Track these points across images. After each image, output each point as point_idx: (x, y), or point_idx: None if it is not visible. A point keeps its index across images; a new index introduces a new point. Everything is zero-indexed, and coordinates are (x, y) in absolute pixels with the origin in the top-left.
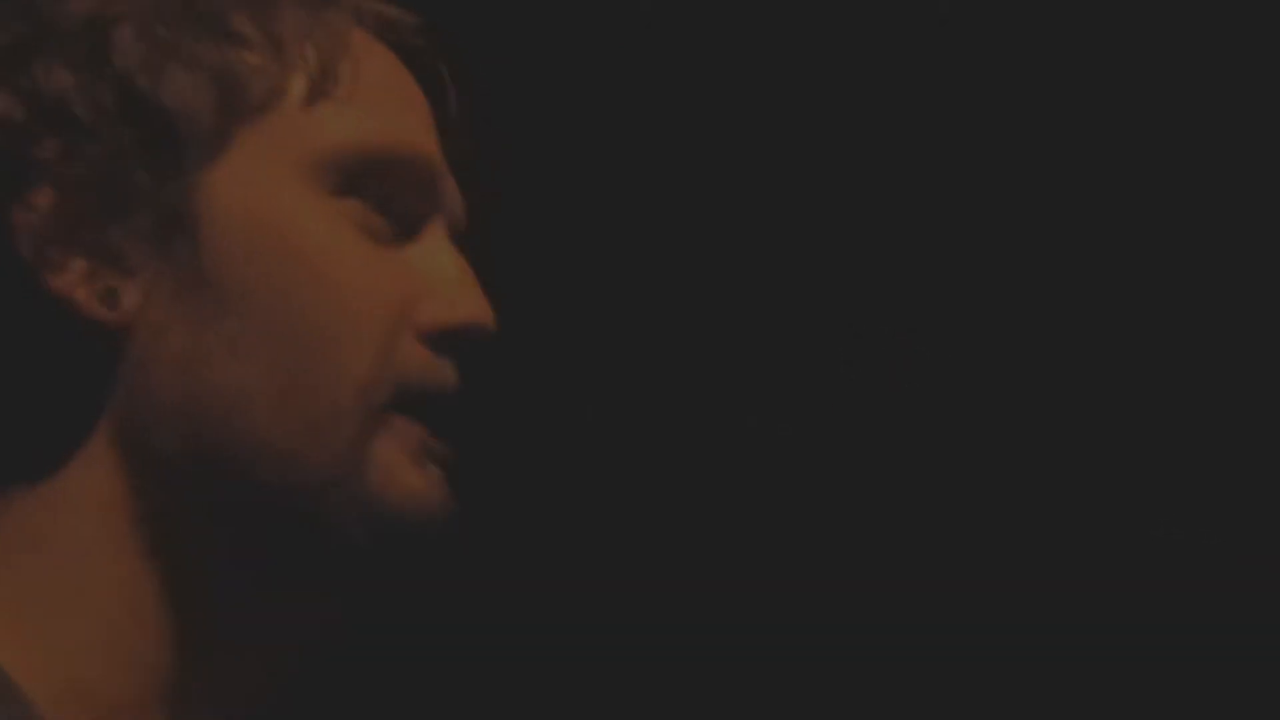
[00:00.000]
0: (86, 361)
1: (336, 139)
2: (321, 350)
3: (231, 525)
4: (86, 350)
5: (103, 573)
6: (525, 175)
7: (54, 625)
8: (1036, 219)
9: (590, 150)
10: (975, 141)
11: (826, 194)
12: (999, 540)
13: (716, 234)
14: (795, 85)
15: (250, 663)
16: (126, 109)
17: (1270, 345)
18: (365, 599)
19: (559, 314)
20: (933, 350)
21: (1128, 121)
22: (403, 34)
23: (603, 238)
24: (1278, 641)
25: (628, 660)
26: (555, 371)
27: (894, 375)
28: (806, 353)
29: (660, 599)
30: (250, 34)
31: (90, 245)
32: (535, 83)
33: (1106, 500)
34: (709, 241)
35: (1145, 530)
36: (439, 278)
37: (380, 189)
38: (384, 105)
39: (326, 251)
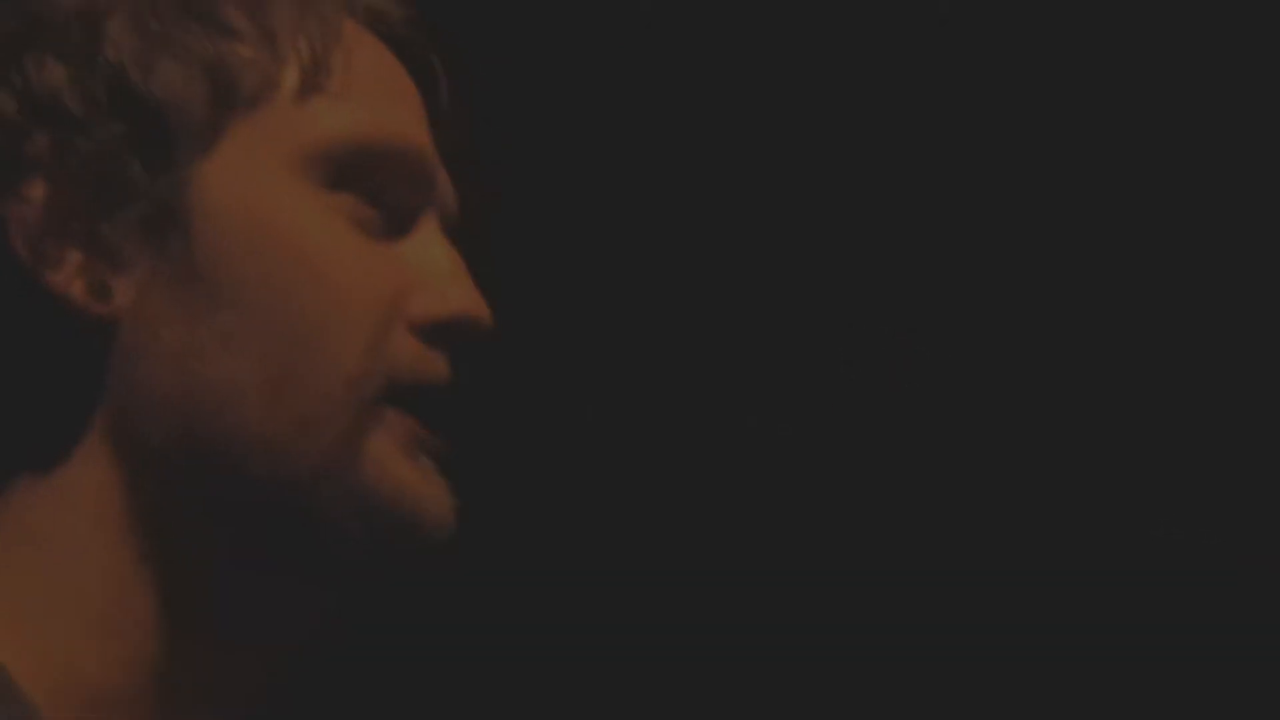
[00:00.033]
0: (79, 355)
1: (328, 131)
2: (313, 343)
3: (225, 519)
4: (79, 344)
5: (96, 567)
6: (520, 168)
7: (47, 619)
8: (1034, 219)
9: (586, 144)
10: (973, 140)
11: (825, 191)
12: (997, 539)
13: (715, 230)
14: (793, 80)
15: (246, 657)
16: (118, 102)
17: (1270, 345)
18: (361, 593)
19: (557, 309)
20: (932, 350)
21: (1127, 121)
22: (394, 25)
23: (600, 232)
24: (1277, 641)
25: (623, 658)
26: (554, 367)
27: (893, 375)
28: (806, 352)
29: (656, 596)
30: (242, 26)
31: (83, 238)
32: (529, 73)
33: (1104, 498)
34: (707, 237)
35: (1143, 529)
36: (431, 270)
37: (372, 181)
38: (376, 97)
39: (318, 245)
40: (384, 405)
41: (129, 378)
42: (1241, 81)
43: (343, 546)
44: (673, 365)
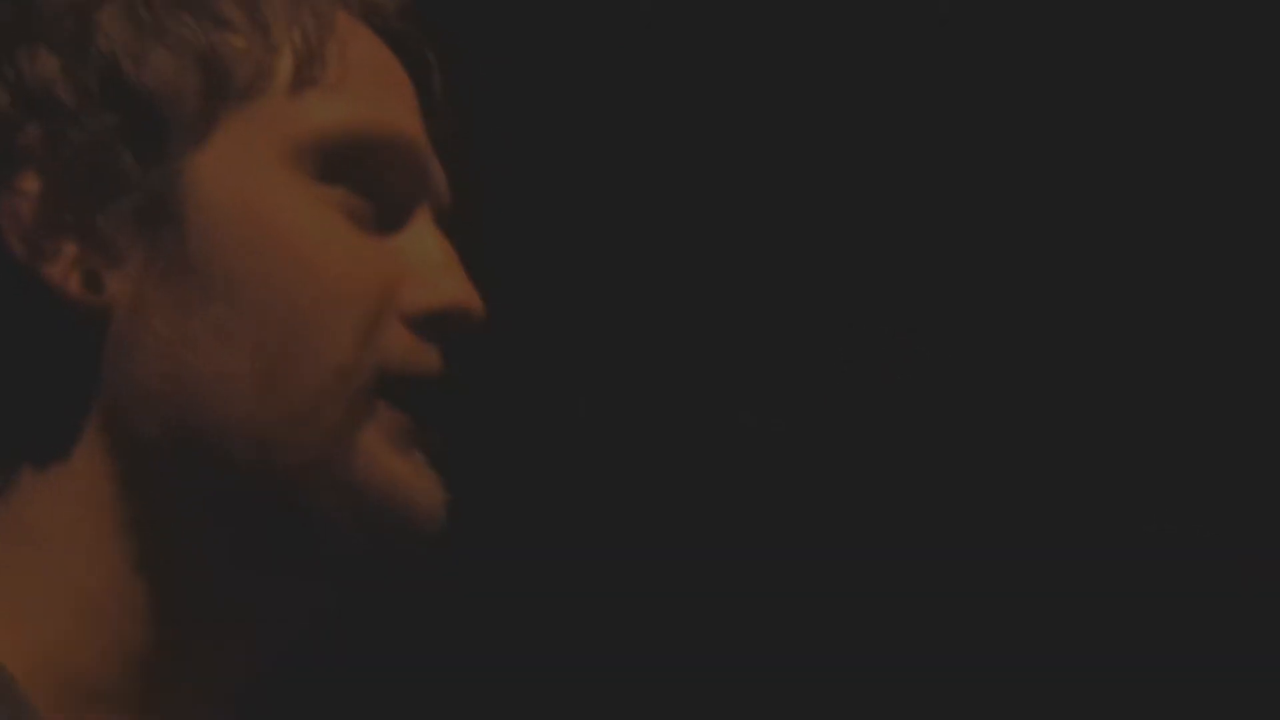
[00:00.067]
0: (72, 348)
1: (322, 123)
2: (304, 334)
3: (216, 510)
4: (72, 336)
5: (90, 560)
6: (513, 159)
7: (41, 613)
8: (1031, 217)
9: (579, 135)
10: (971, 139)
11: (820, 186)
12: (995, 537)
13: (707, 222)
14: (790, 76)
15: (238, 650)
16: (110, 92)
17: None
18: (352, 586)
19: (550, 301)
20: (928, 347)
21: (1124, 121)
22: (387, 17)
23: (593, 224)
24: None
25: (615, 652)
26: (547, 359)
27: (889, 371)
28: (801, 349)
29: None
30: (235, 17)
31: (76, 230)
32: (521, 64)
33: (1101, 495)
34: (699, 230)
35: (1138, 527)
36: (423, 261)
37: (365, 173)
38: (369, 89)
39: (310, 237)
40: (375, 398)
41: (122, 370)
42: (1241, 81)
43: (334, 539)
44: (665, 358)
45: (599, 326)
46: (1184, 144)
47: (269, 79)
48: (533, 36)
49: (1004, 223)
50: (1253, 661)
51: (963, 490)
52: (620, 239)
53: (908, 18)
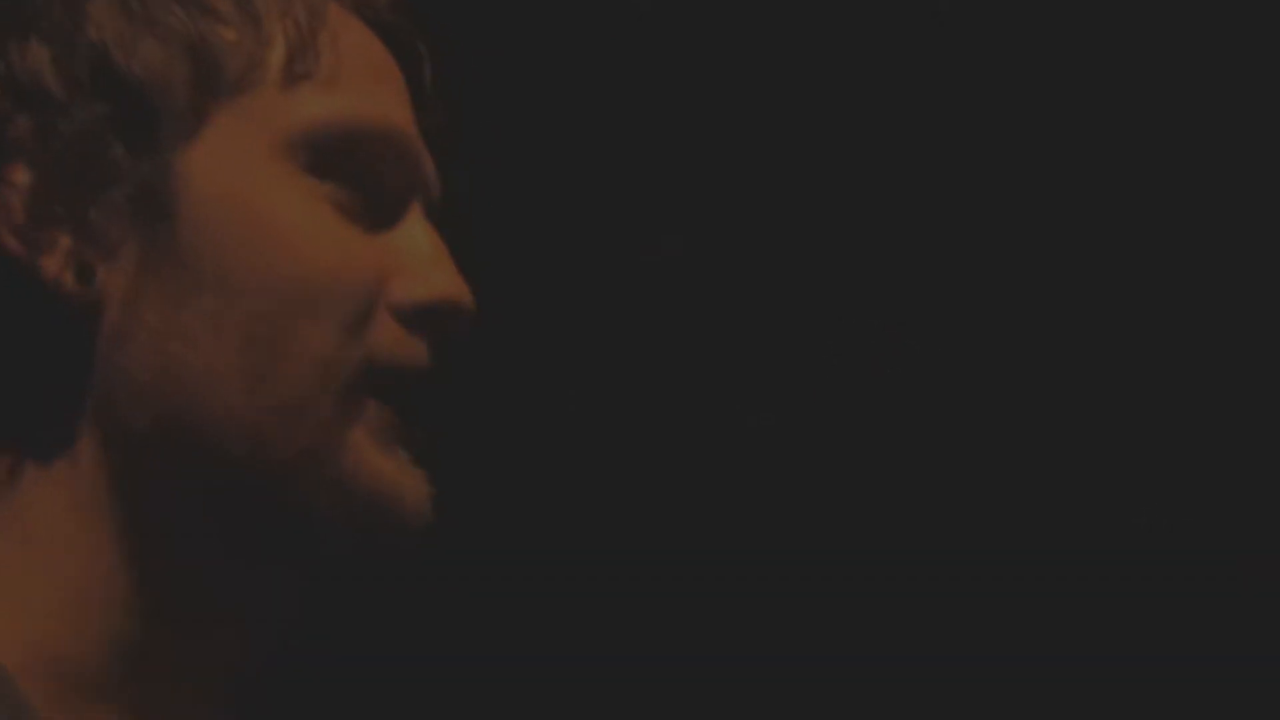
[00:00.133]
0: (63, 339)
1: (313, 116)
2: (293, 327)
3: (207, 503)
4: (63, 328)
5: (80, 551)
6: (504, 152)
7: (29, 602)
8: (1027, 215)
9: (573, 130)
10: (963, 135)
11: (814, 181)
12: (992, 536)
13: (698, 217)
14: (782, 72)
15: (227, 642)
16: (100, 83)
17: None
18: (339, 580)
19: (541, 296)
20: (921, 343)
21: (1120, 120)
22: (378, 9)
23: (586, 219)
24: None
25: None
26: (537, 355)
27: (881, 366)
28: (790, 341)
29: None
30: (226, 9)
31: (67, 222)
32: (513, 56)
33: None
34: (691, 224)
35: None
36: (414, 254)
37: (356, 166)
38: (360, 81)
39: (300, 230)
40: (364, 393)
41: (114, 363)
42: (1241, 81)
43: (321, 534)
44: (656, 352)
45: (589, 320)
46: (1182, 143)
47: (260, 71)
48: (523, 28)
49: (998, 219)
50: (1252, 661)
51: (956, 486)
52: (611, 233)
53: (904, 16)
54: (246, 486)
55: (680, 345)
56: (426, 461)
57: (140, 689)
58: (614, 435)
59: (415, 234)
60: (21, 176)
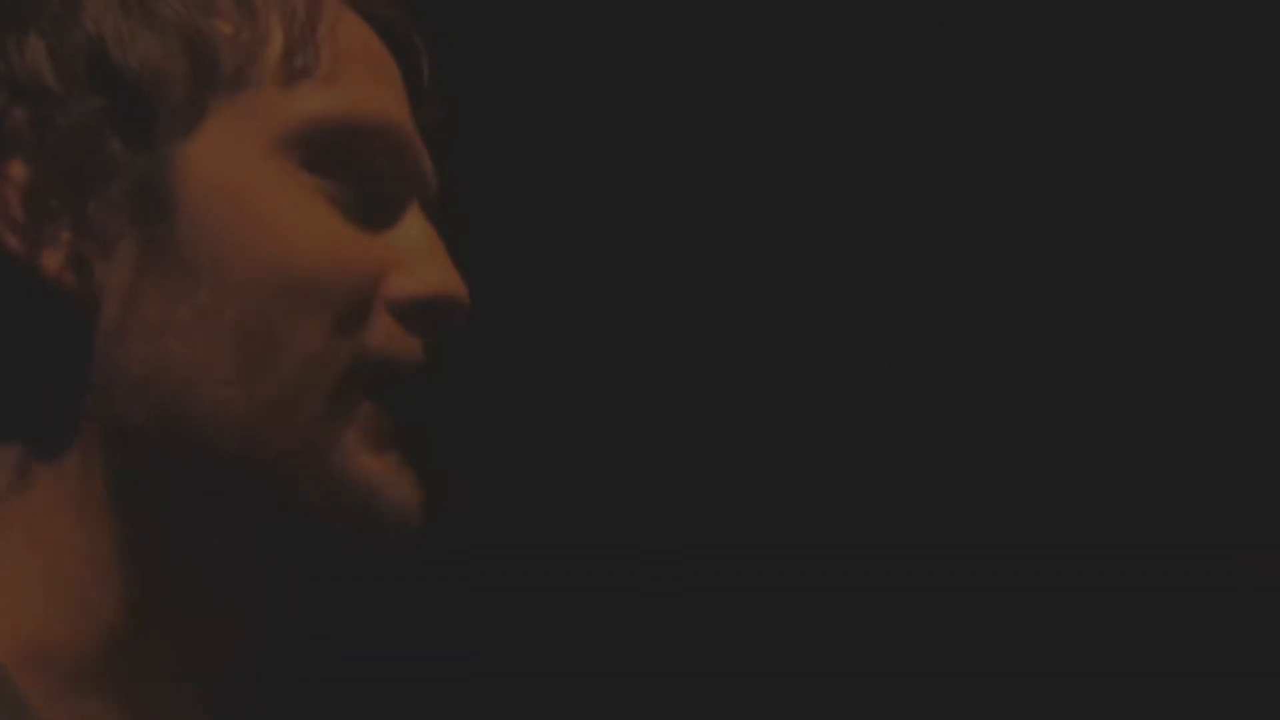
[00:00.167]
0: (58, 332)
1: (310, 111)
2: (287, 323)
3: (199, 498)
4: (58, 321)
5: (74, 545)
6: (501, 147)
7: (23, 595)
8: (1025, 212)
9: (571, 125)
10: (965, 136)
11: (811, 178)
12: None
13: (694, 213)
14: (781, 70)
15: (220, 637)
16: (97, 76)
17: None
18: (330, 578)
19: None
20: (919, 339)
21: (1119, 119)
22: (374, 3)
23: (583, 215)
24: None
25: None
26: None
27: (879, 362)
28: (791, 339)
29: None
30: (224, 4)
31: (65, 217)
32: (510, 51)
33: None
34: (687, 220)
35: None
36: (409, 250)
37: (353, 162)
38: (358, 76)
39: (295, 226)
40: (357, 392)
41: (110, 357)
42: (1241, 81)
43: (314, 531)
44: (655, 351)
45: (587, 317)
46: (1181, 143)
47: (257, 66)
48: (522, 24)
49: (996, 216)
50: (1251, 660)
51: (954, 482)
52: (609, 229)
53: (900, 14)
54: (240, 482)
55: (678, 342)
56: (421, 460)
57: (135, 684)
58: (612, 432)
59: (412, 230)
60: (19, 171)
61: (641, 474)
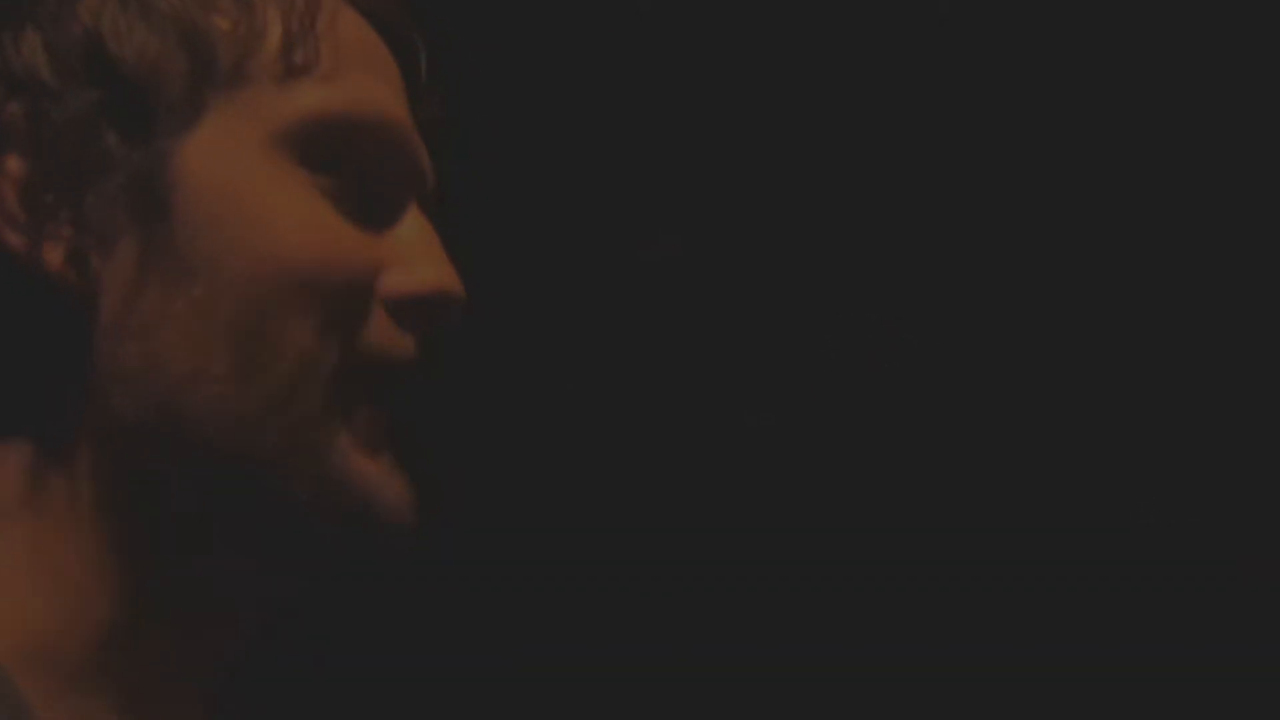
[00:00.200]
0: (55, 327)
1: (308, 108)
2: (282, 320)
3: (194, 494)
4: (55, 315)
5: (71, 542)
6: (500, 144)
7: (18, 590)
8: (1026, 212)
9: (570, 121)
10: (965, 137)
11: (812, 179)
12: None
13: (702, 217)
14: (785, 72)
15: (214, 634)
16: (94, 70)
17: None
18: (326, 575)
19: (542, 298)
20: (920, 341)
21: (1118, 118)
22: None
23: (581, 213)
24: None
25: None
26: (537, 357)
27: (878, 363)
28: (792, 341)
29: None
30: None
31: (62, 211)
32: (508, 46)
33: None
34: (695, 226)
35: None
36: (406, 247)
37: (351, 158)
38: (355, 72)
39: (292, 222)
40: (352, 392)
41: (107, 352)
42: (1241, 81)
43: (306, 530)
44: (656, 353)
45: (588, 319)
46: (1179, 142)
47: (255, 61)
48: (522, 23)
49: (997, 217)
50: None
51: (955, 484)
52: (609, 230)
53: (899, 14)
54: (236, 480)
55: (679, 344)
56: (417, 460)
57: (133, 683)
58: (612, 434)
59: (409, 227)
60: (15, 165)
61: (641, 474)
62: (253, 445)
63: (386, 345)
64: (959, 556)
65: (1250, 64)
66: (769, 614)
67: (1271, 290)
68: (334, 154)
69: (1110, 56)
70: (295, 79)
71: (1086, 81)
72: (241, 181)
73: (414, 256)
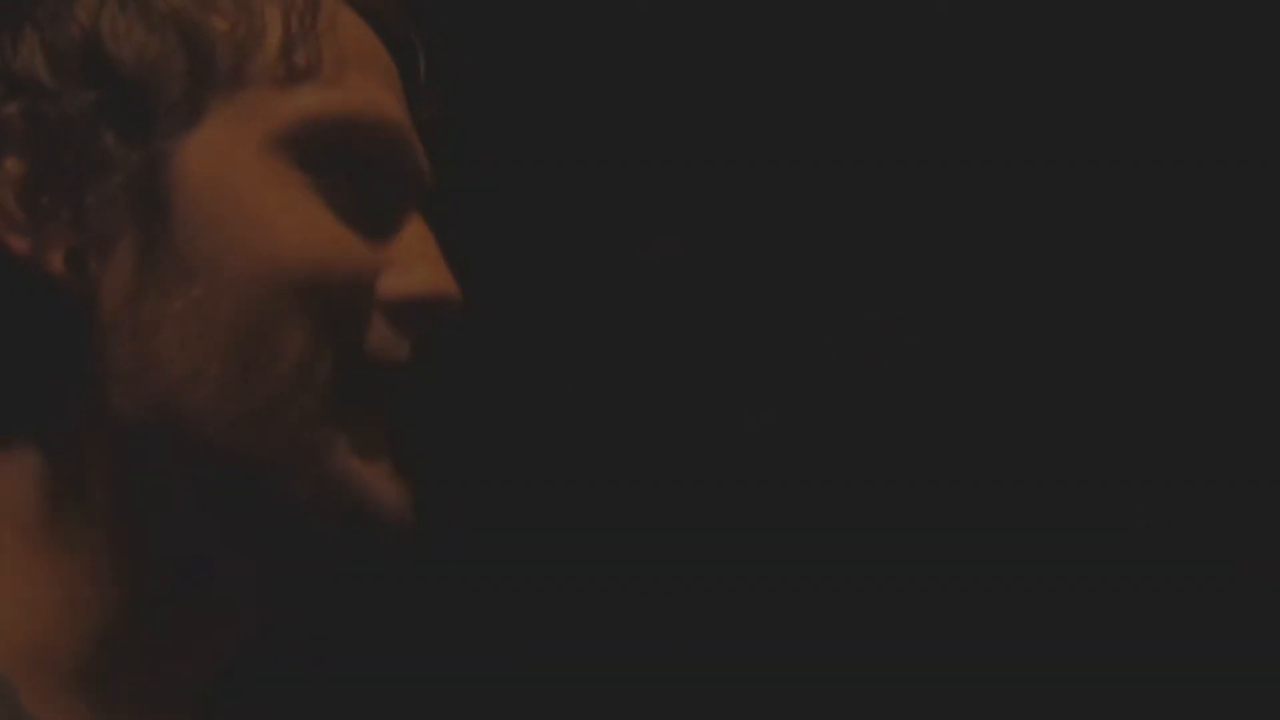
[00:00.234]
0: (53, 327)
1: (307, 109)
2: (279, 321)
3: (193, 496)
4: (55, 316)
5: (66, 541)
6: (502, 149)
7: (16, 592)
8: (1026, 212)
9: (568, 122)
10: (965, 137)
11: (812, 179)
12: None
13: (701, 217)
14: (785, 72)
15: (209, 634)
16: (92, 70)
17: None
18: (323, 575)
19: (541, 298)
20: (920, 341)
21: (1118, 118)
22: (372, 0)
23: (585, 218)
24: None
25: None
26: (537, 357)
27: (878, 363)
28: (792, 341)
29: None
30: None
31: (60, 212)
32: (506, 48)
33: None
34: (694, 226)
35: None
36: (404, 250)
37: (349, 160)
38: (354, 73)
39: (290, 224)
40: (350, 394)
41: (105, 353)
42: (1241, 81)
43: (304, 530)
44: (655, 353)
45: (587, 319)
46: (1179, 142)
47: (254, 62)
48: (521, 23)
49: (996, 217)
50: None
51: (955, 484)
52: (608, 231)
53: (899, 14)
54: (234, 480)
55: (679, 344)
56: (416, 461)
57: (129, 681)
58: (612, 434)
59: (407, 229)
60: (14, 166)
61: (641, 474)
62: (252, 445)
63: (384, 347)
64: (959, 556)
65: (1250, 64)
66: (769, 614)
67: (1271, 290)
68: (333, 155)
69: (1110, 56)
70: (294, 80)
71: (1086, 81)
72: (240, 182)
73: (411, 259)
